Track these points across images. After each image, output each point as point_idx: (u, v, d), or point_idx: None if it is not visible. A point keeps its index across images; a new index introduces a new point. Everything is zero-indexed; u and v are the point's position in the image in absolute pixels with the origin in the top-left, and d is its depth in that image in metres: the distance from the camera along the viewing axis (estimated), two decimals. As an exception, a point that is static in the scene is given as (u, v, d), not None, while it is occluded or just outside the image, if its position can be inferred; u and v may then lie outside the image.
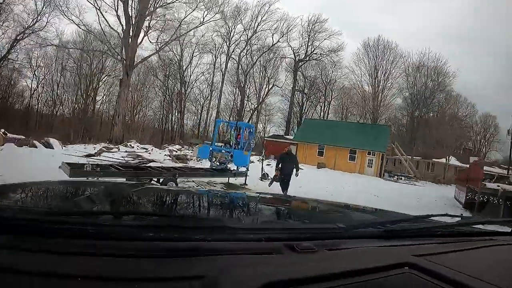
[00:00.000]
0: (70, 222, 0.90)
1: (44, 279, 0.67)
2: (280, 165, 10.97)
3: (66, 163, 8.32)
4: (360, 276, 0.82)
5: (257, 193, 2.78)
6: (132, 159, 14.58)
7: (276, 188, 10.73)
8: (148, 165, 12.57)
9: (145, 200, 1.75)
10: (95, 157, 15.70)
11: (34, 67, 46.70)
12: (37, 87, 48.94)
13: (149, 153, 21.15)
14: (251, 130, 13.58)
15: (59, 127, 43.00)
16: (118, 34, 29.76)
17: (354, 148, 34.69)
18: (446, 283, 0.82)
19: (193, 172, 10.85)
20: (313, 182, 18.06)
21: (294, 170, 10.89)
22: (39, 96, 49.82)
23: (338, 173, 29.98)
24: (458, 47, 76.88)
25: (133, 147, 23.46)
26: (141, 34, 29.59)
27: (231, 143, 12.63)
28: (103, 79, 51.38)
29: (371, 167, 34.05)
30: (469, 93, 69.87)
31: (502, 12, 58.55)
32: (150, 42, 30.84)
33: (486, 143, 60.93)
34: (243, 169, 12.41)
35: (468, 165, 39.91)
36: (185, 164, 16.25)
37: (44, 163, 11.29)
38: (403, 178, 33.98)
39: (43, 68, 47.64)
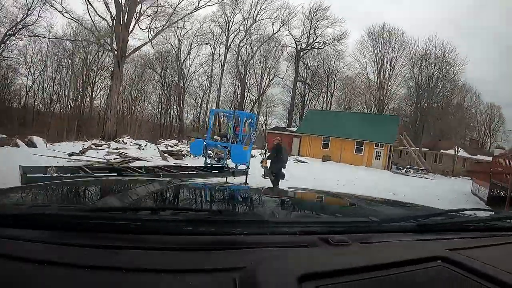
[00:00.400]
0: (112, 218, 0.92)
1: (90, 272, 0.71)
2: (271, 159, 10.29)
3: (22, 166, 6.72)
4: (393, 269, 0.83)
5: (288, 187, 2.54)
6: (115, 158, 12.91)
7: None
8: (132, 165, 10.90)
9: (180, 196, 1.82)
10: (77, 156, 14.05)
11: (29, 64, 45.45)
12: (33, 84, 47.59)
13: (143, 149, 19.67)
14: (252, 121, 11.39)
15: (54, 125, 41.93)
16: (107, 22, 27.96)
17: (361, 140, 32.92)
18: (479, 277, 0.82)
19: (182, 171, 9.10)
20: (320, 177, 17.03)
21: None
22: (35, 93, 48.49)
23: (345, 166, 28.75)
24: (462, 36, 75.36)
25: (125, 143, 22.00)
26: (133, 22, 27.84)
27: (228, 137, 10.85)
28: (99, 74, 50.10)
29: (379, 159, 32.31)
30: (473, 83, 68.31)
31: (508, 1, 57.11)
32: (141, 29, 28.97)
33: (490, 133, 60.12)
34: (243, 166, 10.60)
35: (477, 157, 39.77)
36: (178, 162, 14.47)
37: (16, 163, 9.76)
38: (411, 170, 32.42)
39: (39, 65, 46.40)
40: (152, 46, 32.00)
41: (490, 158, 35.85)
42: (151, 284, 0.70)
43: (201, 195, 1.90)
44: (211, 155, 11.04)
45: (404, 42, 49.61)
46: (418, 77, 47.04)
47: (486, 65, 74.89)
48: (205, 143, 10.68)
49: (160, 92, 55.34)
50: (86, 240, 0.81)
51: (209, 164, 10.69)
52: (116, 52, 27.27)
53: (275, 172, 10.14)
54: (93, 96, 50.99)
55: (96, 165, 10.87)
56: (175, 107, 55.30)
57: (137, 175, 7.56)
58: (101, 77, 49.89)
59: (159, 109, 56.49)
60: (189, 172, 9.06)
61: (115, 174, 7.89)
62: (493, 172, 15.02)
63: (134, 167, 9.00)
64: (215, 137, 11.85)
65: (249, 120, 11.06)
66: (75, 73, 47.98)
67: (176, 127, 52.65)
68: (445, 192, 17.48)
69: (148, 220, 0.96)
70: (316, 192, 2.44)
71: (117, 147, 19.45)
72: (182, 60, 52.84)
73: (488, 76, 76.01)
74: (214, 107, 48.83)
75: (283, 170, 10.27)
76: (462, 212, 1.43)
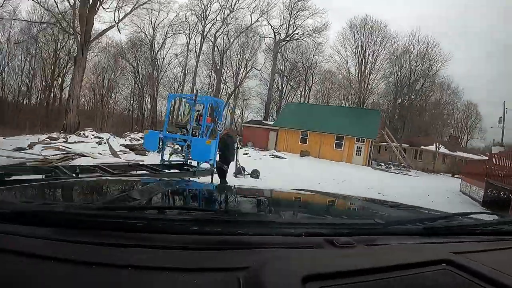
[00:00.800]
0: (118, 216, 0.93)
1: (96, 269, 0.72)
2: (222, 151, 8.54)
3: None
4: (398, 271, 0.83)
5: (294, 189, 2.36)
6: (55, 154, 10.98)
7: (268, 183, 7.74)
8: (72, 163, 9.02)
9: (186, 196, 1.81)
10: (18, 153, 12.07)
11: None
12: (1, 75, 44.50)
13: (104, 143, 17.80)
14: (219, 109, 9.22)
15: (18, 117, 39.38)
16: (69, 2, 25.56)
17: (340, 135, 31.64)
18: (484, 281, 0.82)
19: (131, 171, 7.26)
20: (300, 175, 16.00)
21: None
22: (3, 84, 45.31)
23: (324, 162, 27.69)
24: (448, 33, 75.70)
25: (87, 136, 20.08)
26: (98, 4, 25.56)
27: (188, 128, 8.77)
28: (70, 63, 46.62)
29: (360, 155, 31.15)
30: (454, 80, 68.83)
31: (488, 3, 57.53)
32: (103, 8, 26.65)
33: (467, 130, 60.61)
34: (206, 164, 8.69)
35: (456, 153, 39.25)
36: (134, 159, 12.58)
37: None
38: (392, 167, 31.22)
39: (7, 53, 43.46)
40: (119, 31, 29.66)
41: (469, 155, 35.61)
42: (157, 282, 0.70)
43: (207, 195, 1.90)
44: (178, 150, 9.15)
45: (387, 36, 48.54)
46: (399, 72, 46.17)
47: (465, 64, 75.60)
48: (160, 136, 8.77)
49: (133, 83, 52.87)
50: (92, 238, 0.81)
51: (166, 161, 8.85)
52: (79, 37, 24.97)
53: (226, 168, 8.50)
54: (63, 86, 48.11)
55: (31, 163, 9.00)
56: (148, 99, 52.94)
57: (67, 177, 5.75)
58: (71, 66, 46.99)
59: (131, 101, 54.16)
60: (138, 172, 7.23)
61: (42, 177, 6.03)
62: (490, 172, 13.95)
63: (66, 166, 7.06)
64: (169, 128, 9.67)
65: (215, 108, 9.05)
66: (43, 62, 45.35)
67: (149, 120, 50.29)
68: (434, 191, 16.47)
69: (154, 219, 0.97)
70: (322, 193, 2.32)
71: (75, 141, 17.75)
72: (156, 50, 50.63)
73: (467, 74, 76.48)
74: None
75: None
76: (468, 216, 1.42)
